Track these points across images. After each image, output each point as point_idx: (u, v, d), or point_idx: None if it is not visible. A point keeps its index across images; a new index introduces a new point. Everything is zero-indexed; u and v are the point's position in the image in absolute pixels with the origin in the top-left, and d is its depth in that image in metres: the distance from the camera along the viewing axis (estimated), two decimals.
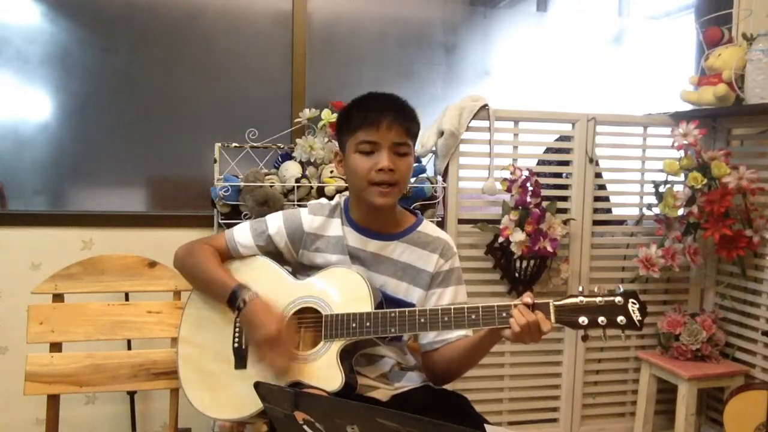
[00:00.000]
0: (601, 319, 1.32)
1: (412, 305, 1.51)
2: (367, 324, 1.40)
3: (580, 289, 1.36)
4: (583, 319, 1.32)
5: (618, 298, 1.33)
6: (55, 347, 1.79)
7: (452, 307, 1.39)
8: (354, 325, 1.41)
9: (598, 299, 1.33)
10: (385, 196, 1.44)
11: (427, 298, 1.53)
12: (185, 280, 1.62)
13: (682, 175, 2.40)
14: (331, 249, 1.53)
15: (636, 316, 1.32)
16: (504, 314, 1.34)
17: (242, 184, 2.19)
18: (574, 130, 2.52)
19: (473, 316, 1.36)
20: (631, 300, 1.33)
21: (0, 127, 2.37)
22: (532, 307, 1.33)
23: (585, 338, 1.35)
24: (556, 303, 1.34)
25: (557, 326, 1.34)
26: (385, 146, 1.43)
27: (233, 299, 1.43)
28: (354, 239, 1.53)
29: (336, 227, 1.54)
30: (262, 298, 1.42)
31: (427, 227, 1.58)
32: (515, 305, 1.34)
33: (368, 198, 1.45)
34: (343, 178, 2.24)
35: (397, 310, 1.41)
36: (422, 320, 1.39)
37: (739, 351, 2.52)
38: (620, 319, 1.32)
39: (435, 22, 2.78)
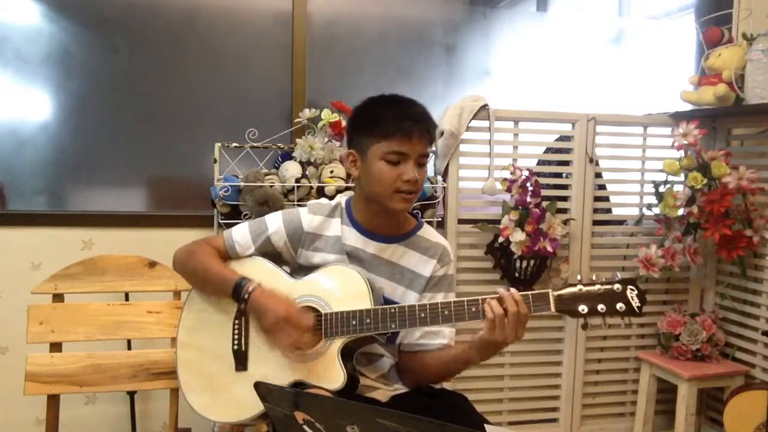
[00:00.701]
0: (601, 307, 1.32)
1: None
2: (367, 321, 1.40)
3: (579, 277, 1.37)
4: (582, 308, 1.33)
5: (617, 286, 1.33)
6: (55, 347, 1.79)
7: (452, 300, 1.40)
8: (354, 322, 1.41)
9: (596, 287, 1.34)
10: (407, 202, 1.46)
11: (419, 302, 1.53)
12: (185, 281, 1.62)
13: (682, 175, 2.40)
14: (329, 248, 1.53)
15: (635, 302, 1.32)
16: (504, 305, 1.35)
17: (242, 184, 2.19)
18: (574, 130, 2.52)
19: (473, 309, 1.37)
20: (629, 287, 1.33)
21: (0, 127, 2.37)
22: (530, 296, 1.33)
23: (585, 326, 1.36)
24: (556, 292, 1.34)
25: (558, 322, 1.34)
26: (413, 157, 1.43)
27: (237, 291, 1.43)
28: (354, 239, 1.53)
29: (335, 227, 1.54)
30: (266, 287, 1.44)
31: (427, 232, 1.59)
32: (484, 299, 1.34)
33: (389, 204, 1.45)
34: (342, 178, 2.24)
35: (396, 306, 1.41)
36: (422, 315, 1.40)
37: (739, 351, 2.52)
38: (619, 306, 1.32)
39: (435, 22, 2.78)
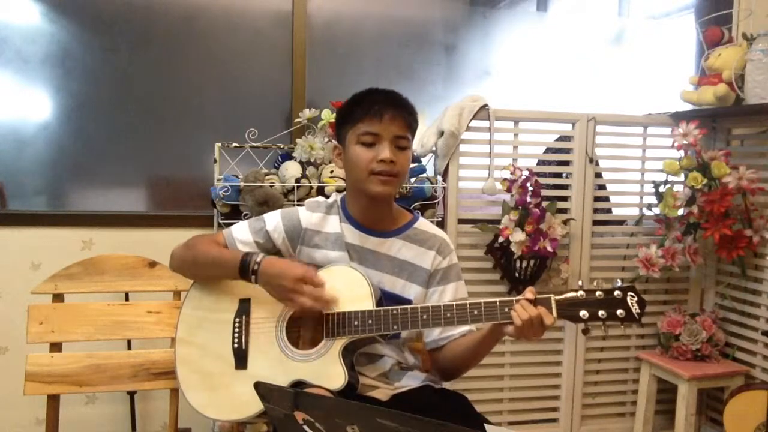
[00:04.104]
0: (601, 313, 1.34)
1: (409, 301, 1.52)
2: (369, 322, 1.41)
3: (580, 283, 1.38)
4: (583, 313, 1.34)
5: (617, 292, 1.35)
6: (55, 347, 1.79)
7: (454, 303, 1.40)
8: (356, 323, 1.41)
9: (597, 293, 1.35)
10: (385, 185, 1.46)
11: (429, 297, 1.54)
12: (185, 279, 1.61)
13: (682, 175, 2.40)
14: (330, 245, 1.54)
15: (635, 309, 1.34)
16: (506, 309, 1.36)
17: (242, 184, 2.19)
18: (574, 130, 2.52)
19: (475, 312, 1.38)
20: (629, 293, 1.35)
21: (0, 127, 2.37)
22: (534, 302, 1.34)
23: (586, 332, 1.37)
24: (558, 297, 1.35)
25: (558, 323, 1.35)
26: (387, 138, 1.44)
27: (245, 266, 1.43)
28: (352, 236, 1.54)
29: (334, 224, 1.55)
30: (272, 257, 1.46)
31: (424, 224, 1.60)
32: (517, 300, 1.35)
33: (368, 187, 1.46)
34: (342, 178, 2.25)
35: (399, 307, 1.41)
36: (425, 317, 1.40)
37: (739, 351, 2.52)
38: (620, 312, 1.34)
39: (435, 22, 2.78)
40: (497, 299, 1.38)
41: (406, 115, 1.47)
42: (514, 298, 1.36)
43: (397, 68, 2.74)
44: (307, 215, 1.56)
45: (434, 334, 1.55)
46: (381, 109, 1.44)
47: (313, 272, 1.41)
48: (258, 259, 1.43)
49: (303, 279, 1.39)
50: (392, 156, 1.44)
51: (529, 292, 1.36)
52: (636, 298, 1.34)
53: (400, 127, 1.46)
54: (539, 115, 2.54)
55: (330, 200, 1.61)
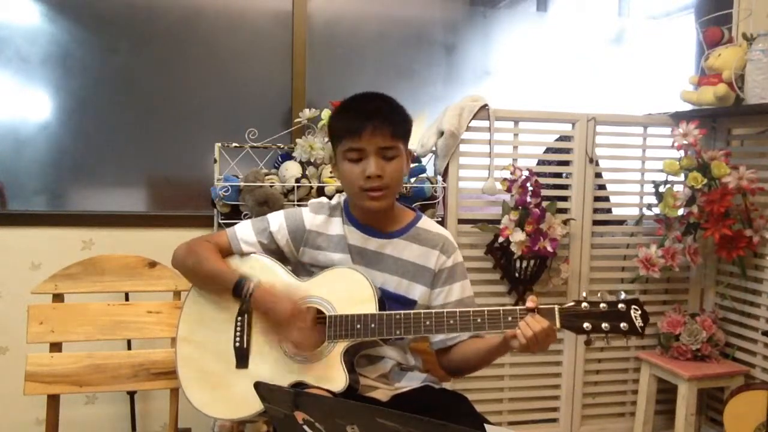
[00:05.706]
0: (605, 325, 1.35)
1: (414, 301, 1.52)
2: (372, 325, 1.41)
3: (584, 294, 1.39)
4: (587, 325, 1.36)
5: (621, 305, 1.36)
6: (55, 347, 1.79)
7: (458, 310, 1.40)
8: (359, 326, 1.41)
9: (601, 305, 1.36)
10: (377, 200, 1.46)
11: (434, 297, 1.54)
12: (185, 279, 1.61)
13: (682, 175, 2.40)
14: (333, 247, 1.53)
15: (638, 322, 1.36)
16: (509, 318, 1.37)
17: (242, 184, 2.19)
18: (574, 130, 2.52)
19: (479, 320, 1.38)
20: (633, 306, 1.36)
21: (0, 127, 2.37)
22: (537, 311, 1.35)
23: (588, 343, 1.38)
24: (561, 308, 1.36)
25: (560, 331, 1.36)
26: (371, 152, 1.43)
27: (238, 288, 1.44)
28: (355, 237, 1.54)
29: (337, 226, 1.55)
30: (266, 285, 1.45)
31: (427, 223, 1.59)
32: (520, 310, 1.36)
33: (361, 203, 1.47)
34: None
35: (402, 312, 1.41)
36: (427, 323, 1.40)
37: (739, 351, 2.52)
38: (623, 325, 1.35)
39: (435, 22, 2.78)
40: (500, 308, 1.38)
41: (388, 124, 1.44)
42: (517, 308, 1.37)
43: (397, 68, 2.73)
44: (311, 217, 1.56)
45: (441, 335, 1.54)
46: (361, 124, 1.42)
47: (301, 311, 1.40)
48: (251, 289, 1.43)
49: (292, 317, 1.38)
50: (378, 170, 1.42)
51: (531, 302, 1.36)
52: (639, 311, 1.36)
53: (384, 139, 1.43)
54: (539, 115, 2.54)
55: (334, 201, 1.60)
